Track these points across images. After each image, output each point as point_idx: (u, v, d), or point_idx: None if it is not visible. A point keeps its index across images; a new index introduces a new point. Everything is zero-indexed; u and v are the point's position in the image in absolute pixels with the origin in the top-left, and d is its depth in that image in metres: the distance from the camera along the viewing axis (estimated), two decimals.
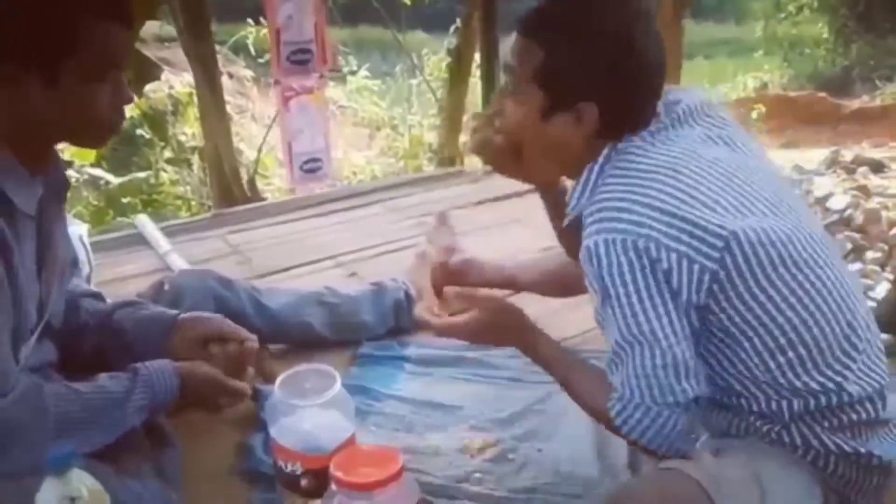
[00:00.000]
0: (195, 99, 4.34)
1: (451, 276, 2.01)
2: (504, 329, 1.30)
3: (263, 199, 4.31)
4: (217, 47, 4.25)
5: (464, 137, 5.77)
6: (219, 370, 1.44)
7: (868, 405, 1.06)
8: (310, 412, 1.24)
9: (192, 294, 1.68)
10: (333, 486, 0.99)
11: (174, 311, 1.56)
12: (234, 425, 1.56)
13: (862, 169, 3.69)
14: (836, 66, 9.66)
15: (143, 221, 2.91)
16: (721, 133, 1.16)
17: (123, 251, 2.69)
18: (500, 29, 3.75)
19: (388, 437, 1.55)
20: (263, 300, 1.81)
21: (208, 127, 3.99)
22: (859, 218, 3.04)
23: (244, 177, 4.48)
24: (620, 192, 1.08)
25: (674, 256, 1.02)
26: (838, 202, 3.16)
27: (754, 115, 6.49)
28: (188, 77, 5.04)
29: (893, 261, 2.85)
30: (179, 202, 5.30)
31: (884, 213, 3.06)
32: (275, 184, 5.39)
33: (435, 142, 6.09)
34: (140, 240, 2.77)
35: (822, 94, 8.01)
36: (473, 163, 4.70)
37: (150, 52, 6.54)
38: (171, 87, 5.96)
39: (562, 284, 1.62)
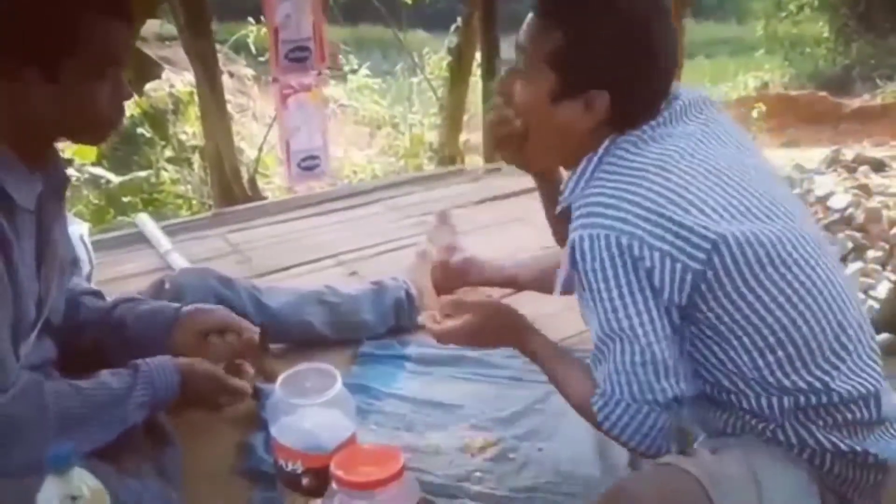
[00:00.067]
0: (196, 98, 4.34)
1: (452, 274, 2.02)
2: (499, 329, 1.31)
3: (264, 198, 4.31)
4: (218, 46, 4.26)
5: (464, 136, 5.78)
6: (220, 368, 1.44)
7: (861, 405, 1.06)
8: (311, 411, 1.24)
9: (193, 293, 1.68)
10: (334, 485, 0.99)
11: (175, 305, 1.56)
12: (235, 424, 1.56)
13: (863, 168, 3.68)
14: (836, 65, 9.65)
15: (144, 220, 2.91)
16: (716, 130, 1.16)
17: (124, 250, 2.69)
18: (500, 28, 3.75)
19: (388, 436, 1.55)
20: (264, 299, 1.81)
21: (209, 126, 3.99)
22: (860, 217, 3.04)
23: (245, 176, 4.48)
24: (609, 188, 1.08)
25: (657, 255, 1.03)
26: (839, 201, 3.16)
27: (755, 114, 6.49)
28: (189, 76, 5.04)
29: (894, 260, 2.85)
30: (180, 201, 5.30)
31: (885, 212, 3.06)
32: (275, 183, 5.38)
33: (435, 141, 6.10)
34: (141, 239, 2.77)
35: (823, 94, 8.00)
36: (474, 162, 4.71)
37: (151, 50, 6.54)
38: (171, 86, 5.96)
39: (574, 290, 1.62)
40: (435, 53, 6.78)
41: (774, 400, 1.07)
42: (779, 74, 9.76)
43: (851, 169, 3.69)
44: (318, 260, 2.54)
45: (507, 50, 3.52)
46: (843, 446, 1.07)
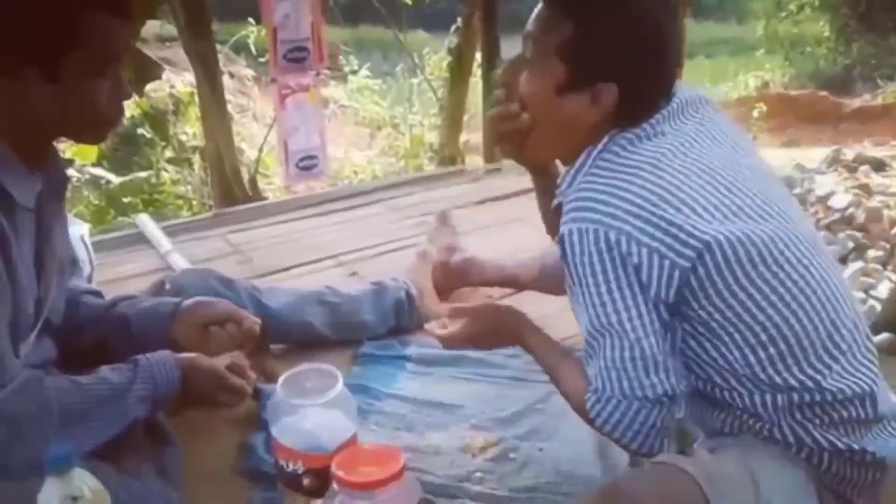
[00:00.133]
0: (196, 98, 4.34)
1: (452, 275, 2.02)
2: (499, 328, 1.32)
3: (264, 199, 4.32)
4: (218, 46, 4.26)
5: (465, 137, 5.78)
6: (221, 366, 1.44)
7: (857, 404, 1.06)
8: (312, 411, 1.24)
9: (193, 293, 1.67)
10: (335, 486, 0.99)
11: (176, 299, 1.56)
12: (236, 424, 1.56)
13: (863, 167, 3.68)
14: (837, 64, 9.65)
15: (144, 221, 2.91)
16: (712, 130, 1.16)
17: (124, 251, 2.68)
18: (500, 28, 3.75)
19: (389, 436, 1.55)
20: (264, 300, 1.81)
21: (209, 126, 3.99)
22: (861, 216, 3.03)
23: (245, 176, 4.48)
24: (601, 183, 1.08)
25: (644, 251, 1.03)
26: (840, 201, 3.16)
27: (755, 113, 6.49)
28: (189, 76, 5.04)
29: (895, 259, 2.85)
30: (180, 202, 5.30)
31: (885, 212, 3.05)
32: (276, 183, 5.38)
33: (436, 141, 6.10)
34: (141, 239, 2.77)
35: (824, 93, 7.99)
36: (474, 162, 4.71)
37: (151, 51, 6.55)
38: (172, 87, 5.96)
39: (562, 282, 1.62)
40: (435, 54, 6.79)
41: (768, 397, 1.07)
42: (779, 74, 9.76)
43: (852, 169, 3.69)
44: (318, 260, 2.54)
45: (508, 50, 3.52)
46: (840, 444, 1.07)
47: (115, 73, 1.22)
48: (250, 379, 1.50)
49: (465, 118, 5.74)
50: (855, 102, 7.77)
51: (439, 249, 2.05)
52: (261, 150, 5.30)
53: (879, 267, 2.77)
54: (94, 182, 5.02)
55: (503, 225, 2.77)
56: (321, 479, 1.14)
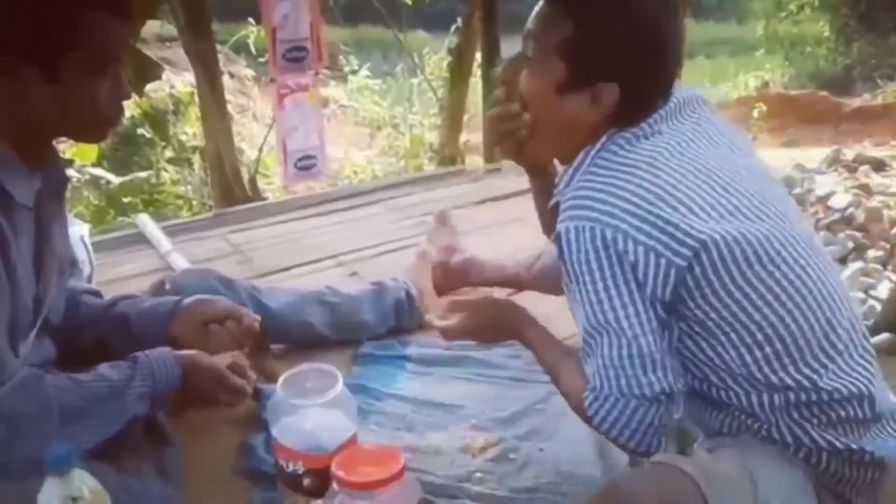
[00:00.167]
0: (196, 98, 4.34)
1: (452, 275, 2.02)
2: (497, 322, 1.33)
3: (264, 199, 4.32)
4: (218, 46, 4.26)
5: (464, 137, 5.78)
6: (221, 365, 1.44)
7: (854, 404, 1.06)
8: (312, 412, 1.24)
9: (193, 293, 1.67)
10: (335, 486, 0.99)
11: (176, 297, 1.56)
12: (236, 425, 1.56)
13: (863, 167, 3.67)
14: (837, 64, 9.65)
15: (144, 221, 2.91)
16: (709, 130, 1.16)
17: (124, 251, 2.69)
18: (500, 28, 3.75)
19: (389, 436, 1.55)
20: (264, 300, 1.81)
21: (209, 126, 3.99)
22: (861, 216, 3.03)
23: (245, 176, 4.48)
24: (598, 182, 1.08)
25: (640, 249, 1.03)
26: (840, 201, 3.15)
27: (755, 114, 6.48)
28: (189, 76, 5.04)
29: (895, 259, 2.85)
30: (180, 202, 5.31)
31: (885, 212, 3.05)
32: (276, 183, 5.38)
33: (436, 141, 6.10)
34: (141, 239, 2.77)
35: (824, 93, 7.99)
36: (474, 162, 4.71)
37: (151, 51, 6.55)
38: (172, 87, 5.97)
39: (561, 281, 1.62)
40: (435, 54, 6.79)
41: (764, 397, 1.07)
42: (779, 74, 9.76)
43: (852, 168, 3.68)
44: (318, 260, 2.54)
45: (508, 50, 3.52)
46: (838, 444, 1.07)
47: (115, 73, 1.23)
48: (250, 379, 1.50)
49: (465, 118, 5.74)
50: (855, 102, 7.77)
51: (439, 249, 2.05)
52: (261, 150, 5.30)
53: (879, 267, 2.77)
54: (94, 182, 5.02)
55: (503, 225, 2.77)
56: (321, 479, 1.14)
